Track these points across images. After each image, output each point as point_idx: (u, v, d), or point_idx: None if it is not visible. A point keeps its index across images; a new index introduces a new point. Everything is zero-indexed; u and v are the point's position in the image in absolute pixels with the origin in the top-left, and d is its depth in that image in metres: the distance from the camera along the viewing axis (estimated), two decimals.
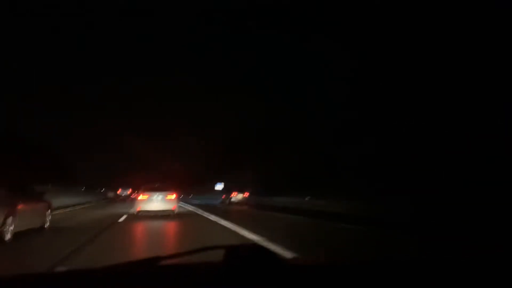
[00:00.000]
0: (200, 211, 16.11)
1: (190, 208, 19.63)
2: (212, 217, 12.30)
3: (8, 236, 6.29)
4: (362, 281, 1.03)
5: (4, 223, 6.13)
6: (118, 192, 39.93)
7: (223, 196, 28.14)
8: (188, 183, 48.47)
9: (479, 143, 12.91)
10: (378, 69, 20.75)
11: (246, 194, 25.70)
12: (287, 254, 4.80)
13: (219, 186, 38.55)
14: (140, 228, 9.66)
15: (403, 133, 17.32)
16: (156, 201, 12.27)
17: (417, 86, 17.45)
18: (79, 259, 5.01)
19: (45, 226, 8.47)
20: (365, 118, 21.04)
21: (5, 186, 6.58)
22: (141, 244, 7.38)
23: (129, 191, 39.72)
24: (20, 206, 6.80)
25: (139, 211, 12.23)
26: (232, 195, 25.63)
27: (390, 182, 15.99)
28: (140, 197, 12.59)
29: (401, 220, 9.83)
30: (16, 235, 6.56)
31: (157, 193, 12.42)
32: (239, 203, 24.94)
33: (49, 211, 8.88)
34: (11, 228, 6.40)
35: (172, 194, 12.59)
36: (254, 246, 1.07)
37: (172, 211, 12.39)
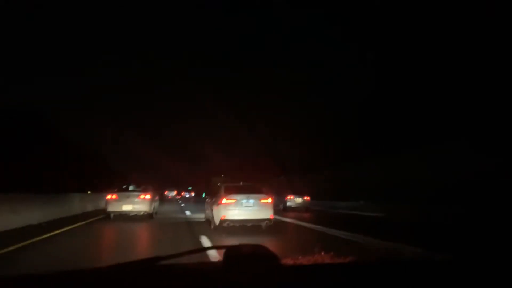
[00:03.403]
0: (285, 219, 13.99)
1: None
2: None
3: (154, 215, 13.35)
4: (361, 281, 1.05)
5: (154, 207, 13.19)
6: (165, 193, 47.10)
7: (276, 200, 21.25)
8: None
9: None
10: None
11: (307, 198, 21.27)
12: None
13: None
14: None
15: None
16: (247, 207, 9.38)
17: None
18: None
19: (156, 212, 15.47)
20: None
21: (152, 190, 13.58)
22: None
23: (175, 192, 46.86)
24: (154, 200, 13.77)
25: (223, 220, 9.20)
26: (287, 198, 21.08)
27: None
28: (224, 200, 9.44)
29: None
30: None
31: (246, 196, 9.53)
32: (297, 208, 20.49)
33: (158, 203, 15.96)
34: (155, 210, 13.43)
35: (268, 198, 9.71)
36: (255, 246, 1.08)
37: (269, 220, 9.46)
